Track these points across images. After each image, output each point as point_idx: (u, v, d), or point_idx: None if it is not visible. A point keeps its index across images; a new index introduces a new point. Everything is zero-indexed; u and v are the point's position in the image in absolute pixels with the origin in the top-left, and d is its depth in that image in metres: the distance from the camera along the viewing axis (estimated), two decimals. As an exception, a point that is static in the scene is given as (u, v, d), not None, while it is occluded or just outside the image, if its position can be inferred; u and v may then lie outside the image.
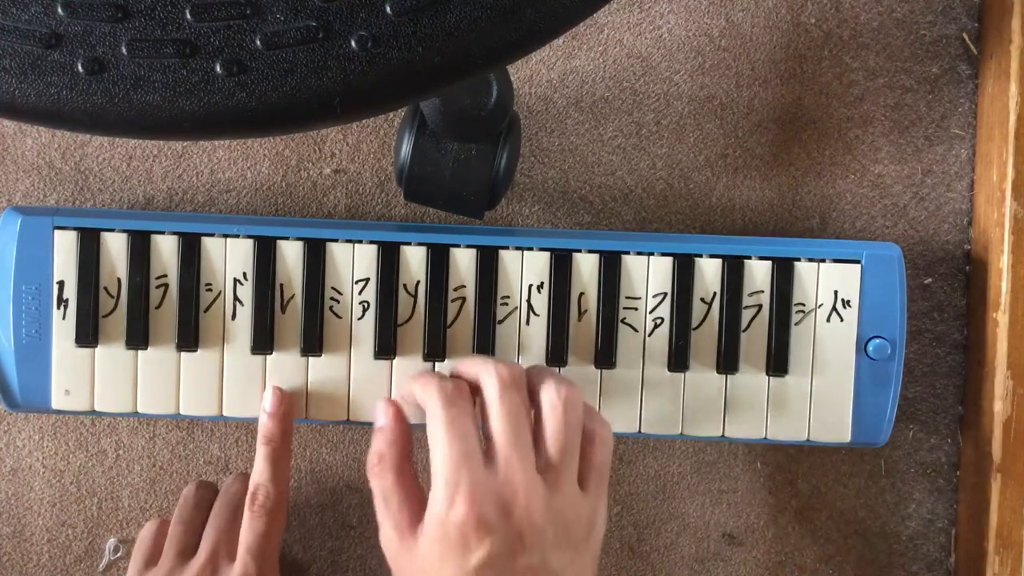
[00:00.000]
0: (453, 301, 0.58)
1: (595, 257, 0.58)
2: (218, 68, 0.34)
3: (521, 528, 0.46)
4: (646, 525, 0.63)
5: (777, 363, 0.58)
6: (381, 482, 0.50)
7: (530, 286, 0.58)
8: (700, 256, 0.58)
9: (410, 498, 0.50)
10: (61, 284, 0.57)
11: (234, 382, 0.58)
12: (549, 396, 0.49)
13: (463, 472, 0.47)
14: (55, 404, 0.57)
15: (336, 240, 0.57)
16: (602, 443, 0.50)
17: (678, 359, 0.58)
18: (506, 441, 0.48)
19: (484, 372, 0.50)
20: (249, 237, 0.57)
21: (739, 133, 0.62)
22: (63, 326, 0.57)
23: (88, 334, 0.57)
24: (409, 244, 0.57)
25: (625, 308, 0.58)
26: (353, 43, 0.34)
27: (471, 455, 0.47)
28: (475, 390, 0.51)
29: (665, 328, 0.58)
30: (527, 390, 0.51)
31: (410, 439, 0.52)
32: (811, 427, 0.58)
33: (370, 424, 0.59)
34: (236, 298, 0.57)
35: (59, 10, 0.34)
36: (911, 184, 0.62)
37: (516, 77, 0.61)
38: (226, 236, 0.57)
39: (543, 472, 0.48)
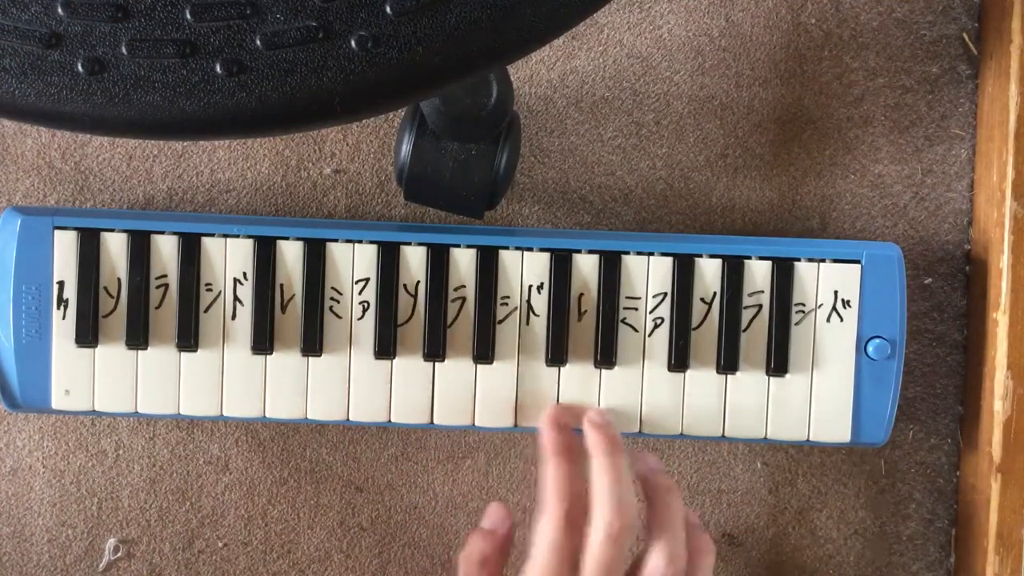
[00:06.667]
0: (453, 301, 0.58)
1: (595, 257, 0.58)
2: (218, 68, 0.34)
3: None
4: (646, 525, 0.63)
5: (777, 363, 0.58)
6: None
7: (530, 286, 0.58)
8: (700, 256, 0.58)
9: None
10: (61, 284, 0.57)
11: (234, 382, 0.58)
12: (656, 562, 0.52)
13: None
14: (55, 404, 0.57)
15: (336, 240, 0.57)
16: None
17: (678, 359, 0.58)
18: None
19: (600, 508, 0.51)
20: (249, 237, 0.57)
21: (739, 133, 0.62)
22: (63, 326, 0.57)
23: (88, 334, 0.57)
24: (409, 244, 0.57)
25: (625, 308, 0.58)
26: (353, 43, 0.34)
27: None
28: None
29: (665, 328, 0.58)
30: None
31: (511, 547, 0.55)
32: (811, 427, 0.58)
33: (371, 424, 0.59)
34: (236, 298, 0.57)
35: (59, 10, 0.34)
36: (911, 184, 0.62)
37: (516, 77, 0.61)
38: (226, 236, 0.57)
39: None
